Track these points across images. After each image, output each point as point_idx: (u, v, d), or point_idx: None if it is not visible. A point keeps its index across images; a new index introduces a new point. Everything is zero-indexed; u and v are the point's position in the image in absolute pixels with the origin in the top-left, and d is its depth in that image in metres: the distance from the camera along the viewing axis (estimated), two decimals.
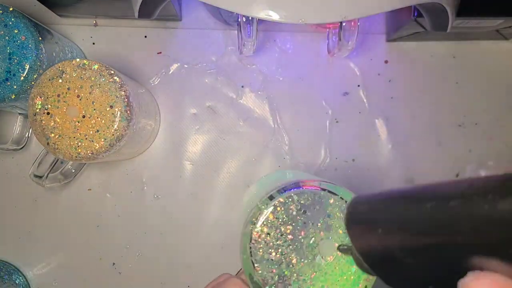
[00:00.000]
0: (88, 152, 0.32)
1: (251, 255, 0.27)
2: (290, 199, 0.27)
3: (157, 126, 0.42)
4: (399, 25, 0.41)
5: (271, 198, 0.28)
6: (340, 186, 0.28)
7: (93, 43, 0.43)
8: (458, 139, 0.44)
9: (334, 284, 0.27)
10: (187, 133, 0.43)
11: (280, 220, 0.27)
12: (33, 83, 0.34)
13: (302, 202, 0.27)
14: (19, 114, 0.41)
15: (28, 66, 0.34)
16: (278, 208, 0.27)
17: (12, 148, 0.41)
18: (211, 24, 0.43)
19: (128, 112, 0.32)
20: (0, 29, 0.34)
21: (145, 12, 0.34)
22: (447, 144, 0.44)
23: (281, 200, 0.27)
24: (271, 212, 0.27)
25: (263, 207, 0.27)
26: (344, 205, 0.28)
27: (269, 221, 0.27)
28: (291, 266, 0.27)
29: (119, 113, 0.32)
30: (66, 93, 0.32)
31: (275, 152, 0.43)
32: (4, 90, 0.34)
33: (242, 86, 0.43)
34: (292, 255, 0.27)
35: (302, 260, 0.27)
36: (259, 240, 0.27)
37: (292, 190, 0.28)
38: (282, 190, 0.28)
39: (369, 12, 0.29)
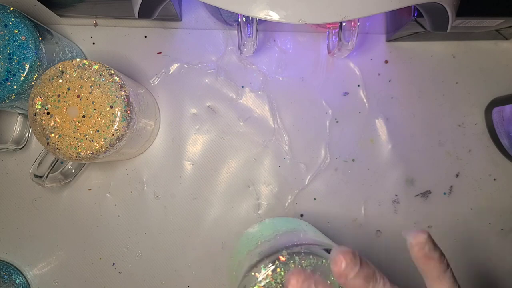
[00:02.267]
0: (88, 152, 0.32)
1: None
2: (292, 261, 0.26)
3: (157, 126, 0.42)
4: (399, 25, 0.41)
5: (272, 255, 0.26)
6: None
7: (93, 43, 0.43)
8: (458, 139, 0.44)
9: None
10: (187, 133, 0.43)
11: (277, 281, 0.26)
12: (33, 83, 0.34)
13: (304, 265, 0.26)
14: (19, 114, 0.41)
15: (28, 66, 0.34)
16: (278, 269, 0.26)
17: (12, 148, 0.41)
18: (211, 24, 0.43)
19: (128, 112, 0.32)
20: (0, 29, 0.34)
21: (145, 12, 0.33)
22: (447, 144, 0.44)
23: (282, 258, 0.26)
24: (271, 270, 0.26)
25: (262, 267, 0.26)
26: None
27: (266, 283, 0.26)
28: None
29: (119, 113, 0.32)
30: (66, 93, 0.32)
31: (275, 152, 0.43)
32: (4, 90, 0.34)
33: (242, 86, 0.43)
34: None
35: None
36: None
37: (296, 249, 0.26)
38: (285, 248, 0.26)
39: (369, 12, 0.29)
